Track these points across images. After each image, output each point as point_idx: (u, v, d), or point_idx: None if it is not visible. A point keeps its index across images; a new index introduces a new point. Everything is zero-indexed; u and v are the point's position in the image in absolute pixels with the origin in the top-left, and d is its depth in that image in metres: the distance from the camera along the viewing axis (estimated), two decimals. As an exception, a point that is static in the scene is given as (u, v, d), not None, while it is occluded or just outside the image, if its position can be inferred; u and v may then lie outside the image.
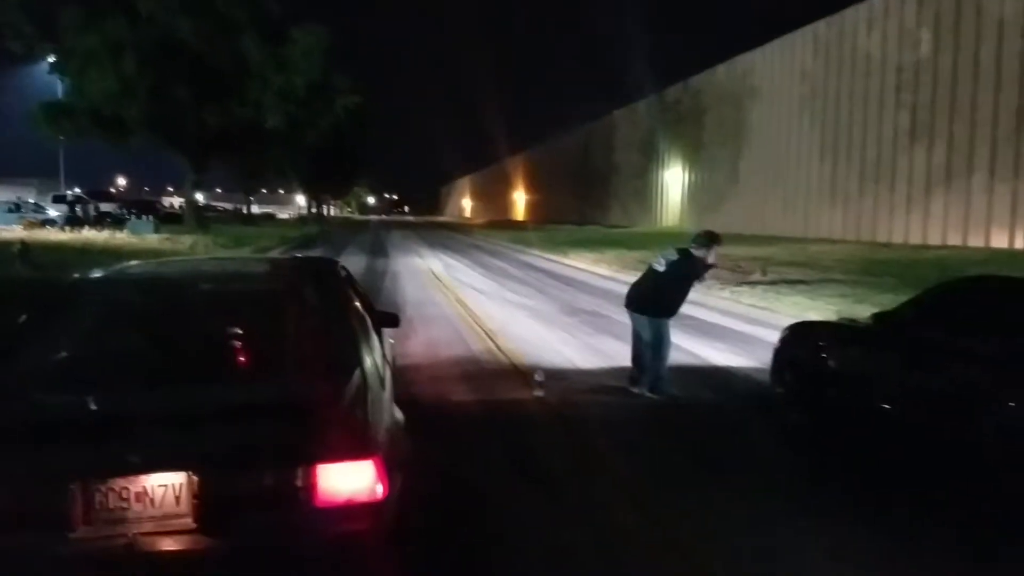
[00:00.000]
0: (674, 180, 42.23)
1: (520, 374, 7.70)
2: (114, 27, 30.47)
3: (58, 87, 35.09)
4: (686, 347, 9.07)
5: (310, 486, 2.63)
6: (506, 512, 4.27)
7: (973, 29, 21.59)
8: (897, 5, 24.95)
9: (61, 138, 36.12)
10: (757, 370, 7.77)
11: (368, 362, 3.43)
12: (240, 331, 3.38)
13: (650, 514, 4.29)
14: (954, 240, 22.03)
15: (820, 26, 29.52)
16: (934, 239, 22.81)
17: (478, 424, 6.07)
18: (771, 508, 4.34)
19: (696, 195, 39.70)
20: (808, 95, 29.91)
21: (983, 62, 21.19)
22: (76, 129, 33.55)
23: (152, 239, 26.18)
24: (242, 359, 3.31)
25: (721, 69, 37.44)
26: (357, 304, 4.34)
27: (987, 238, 20.89)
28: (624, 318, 7.47)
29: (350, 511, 2.66)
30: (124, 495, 2.56)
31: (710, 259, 6.90)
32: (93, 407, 2.82)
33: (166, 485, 2.57)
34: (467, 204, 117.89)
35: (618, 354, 8.66)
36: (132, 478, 2.56)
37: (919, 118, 23.71)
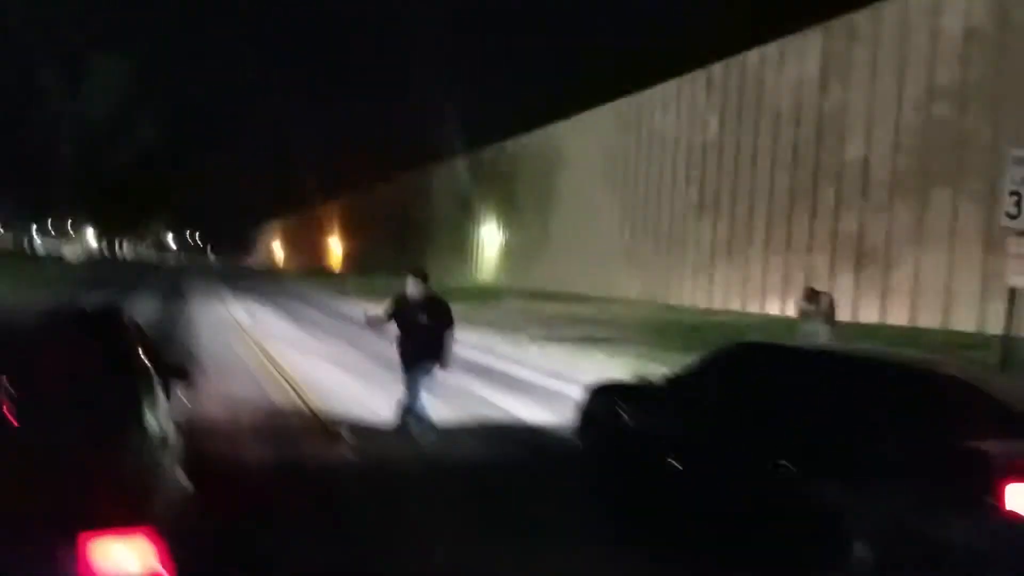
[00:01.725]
0: (490, 237, 43.41)
1: (326, 430, 7.46)
2: None
3: None
4: (495, 402, 9.26)
5: (75, 561, 2.36)
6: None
7: (753, 117, 24.32)
8: (688, 90, 27.63)
9: None
10: (564, 426, 8.03)
11: (148, 420, 3.18)
12: (7, 386, 3.01)
13: None
14: (735, 305, 24.26)
15: (621, 104, 31.99)
16: (718, 303, 25.02)
17: (279, 486, 5.78)
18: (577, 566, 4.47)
19: (510, 252, 41.02)
20: (610, 165, 32.13)
21: (761, 147, 23.87)
22: None
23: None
24: (6, 417, 2.94)
25: (534, 136, 39.34)
26: (142, 355, 4.02)
27: (763, 305, 23.20)
28: (438, 372, 7.50)
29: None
30: None
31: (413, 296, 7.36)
32: None
33: None
34: (279, 248, 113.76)
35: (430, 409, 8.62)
36: None
37: (705, 193, 26.19)
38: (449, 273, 46.50)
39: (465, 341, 15.90)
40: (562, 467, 6.67)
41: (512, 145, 41.51)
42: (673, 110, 28.44)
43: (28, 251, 56.92)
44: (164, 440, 3.26)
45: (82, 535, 2.37)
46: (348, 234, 75.45)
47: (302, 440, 7.16)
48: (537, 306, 23.90)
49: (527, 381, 11.28)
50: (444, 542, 4.78)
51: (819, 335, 10.02)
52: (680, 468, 5.21)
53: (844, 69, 21.08)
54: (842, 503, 4.06)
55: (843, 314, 14.20)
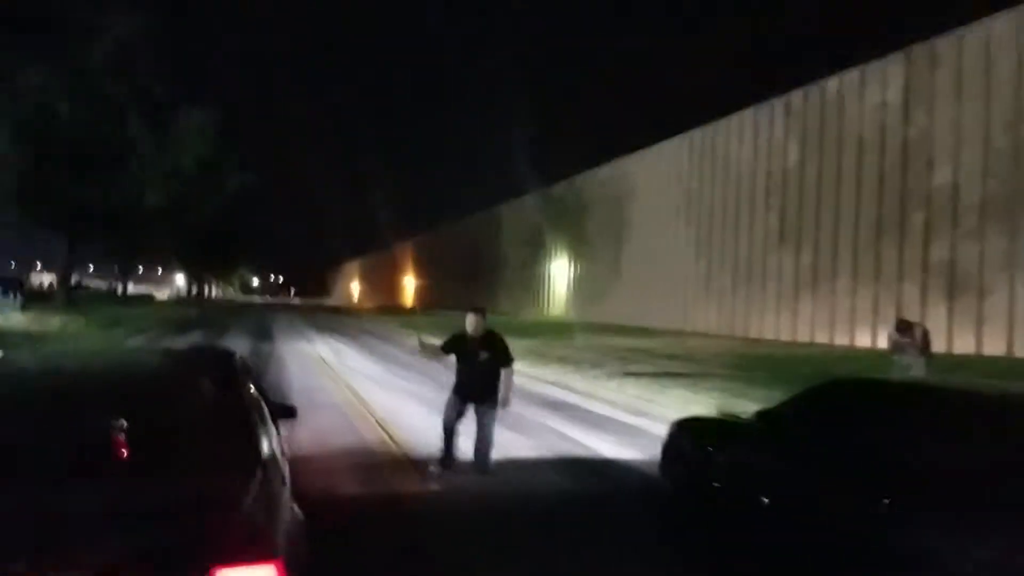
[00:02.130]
0: (560, 272, 43.49)
1: (413, 465, 7.60)
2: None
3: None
4: (574, 437, 9.26)
5: None
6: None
7: (835, 144, 23.80)
8: (765, 118, 27.26)
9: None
10: (646, 462, 7.97)
11: (268, 457, 3.34)
12: (134, 427, 3.22)
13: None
14: (822, 338, 23.53)
15: (695, 134, 31.74)
16: (803, 336, 24.30)
17: (373, 521, 5.90)
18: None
19: (580, 287, 40.95)
20: (684, 196, 31.82)
21: (845, 174, 23.30)
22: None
23: (17, 319, 24.37)
24: (137, 457, 3.15)
25: (604, 170, 39.39)
26: (256, 396, 4.23)
27: (852, 337, 22.44)
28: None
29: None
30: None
31: (472, 333, 7.21)
32: None
33: None
34: (355, 288, 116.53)
35: (511, 444, 8.69)
36: None
37: (787, 222, 25.63)
38: (521, 308, 46.81)
39: (540, 376, 15.96)
40: (646, 503, 6.61)
41: (581, 180, 41.66)
42: (750, 138, 28.10)
43: (119, 293, 59.63)
44: (282, 476, 3.42)
45: (215, 568, 2.51)
46: (422, 272, 76.85)
47: (389, 473, 7.32)
48: (611, 340, 23.71)
49: (606, 416, 11.21)
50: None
51: (914, 368, 9.67)
52: (774, 506, 5.10)
53: (927, 94, 20.52)
54: (948, 544, 3.92)
55: (937, 345, 13.64)
